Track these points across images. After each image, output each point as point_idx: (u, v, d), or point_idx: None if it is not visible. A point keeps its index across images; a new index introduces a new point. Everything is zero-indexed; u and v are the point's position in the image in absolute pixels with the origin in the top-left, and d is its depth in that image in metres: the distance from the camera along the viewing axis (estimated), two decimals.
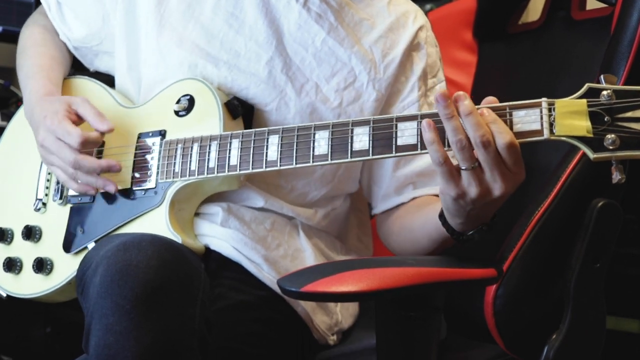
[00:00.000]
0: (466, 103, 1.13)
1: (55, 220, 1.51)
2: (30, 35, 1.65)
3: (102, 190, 1.43)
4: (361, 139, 1.23)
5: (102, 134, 1.42)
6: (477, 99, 1.18)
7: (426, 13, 1.73)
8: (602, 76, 1.10)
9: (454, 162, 1.15)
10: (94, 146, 1.43)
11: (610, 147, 1.08)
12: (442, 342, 1.49)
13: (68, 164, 1.41)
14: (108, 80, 1.65)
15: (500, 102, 1.16)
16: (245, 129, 1.41)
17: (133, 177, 1.44)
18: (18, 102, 2.10)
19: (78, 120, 1.45)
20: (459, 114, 1.13)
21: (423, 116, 1.18)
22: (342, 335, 1.56)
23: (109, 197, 1.45)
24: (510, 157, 1.12)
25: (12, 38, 1.76)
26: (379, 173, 1.53)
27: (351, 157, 1.24)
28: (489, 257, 1.37)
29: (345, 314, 1.54)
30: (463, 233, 1.26)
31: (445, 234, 1.28)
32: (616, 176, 1.10)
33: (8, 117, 1.98)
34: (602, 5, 1.56)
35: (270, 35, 1.47)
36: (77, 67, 1.72)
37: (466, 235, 1.26)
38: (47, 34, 1.65)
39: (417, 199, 1.50)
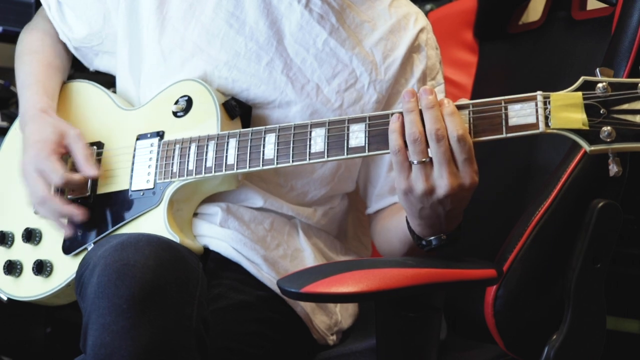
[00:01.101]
0: (430, 97, 1.17)
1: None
2: (28, 41, 1.65)
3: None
4: (357, 135, 1.24)
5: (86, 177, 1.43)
6: (478, 98, 1.18)
7: (426, 13, 1.73)
8: (597, 69, 1.10)
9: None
10: (74, 187, 1.45)
11: (607, 140, 1.08)
12: (442, 342, 1.49)
13: (36, 198, 1.43)
14: (108, 81, 1.65)
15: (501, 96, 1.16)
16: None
17: (132, 178, 1.44)
18: (18, 102, 2.09)
19: (66, 153, 1.45)
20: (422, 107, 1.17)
21: None
22: (342, 335, 1.56)
23: (108, 199, 1.45)
24: (461, 152, 1.15)
25: (12, 38, 1.76)
26: (374, 173, 1.53)
27: (347, 154, 1.25)
28: (489, 257, 1.37)
29: (344, 314, 1.54)
30: (423, 237, 1.27)
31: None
32: (613, 168, 1.10)
33: (8, 117, 1.98)
34: (602, 5, 1.56)
35: (271, 36, 1.47)
36: (77, 68, 1.72)
37: (425, 240, 1.27)
38: (47, 39, 1.64)
39: None
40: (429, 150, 1.17)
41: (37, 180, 1.42)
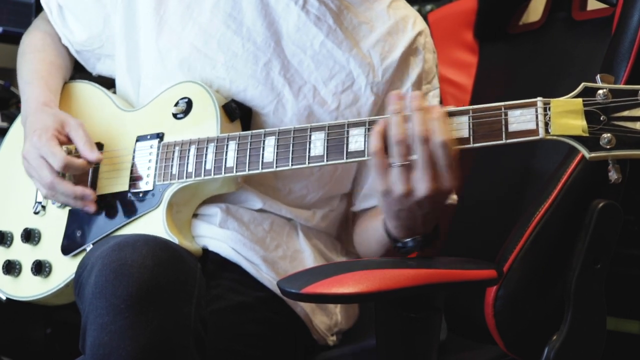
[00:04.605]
0: (418, 101, 1.16)
1: (54, 223, 1.51)
2: (30, 41, 1.66)
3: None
4: (357, 139, 1.24)
5: (89, 162, 1.43)
6: (478, 99, 1.18)
7: (427, 14, 1.73)
8: (598, 75, 1.10)
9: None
10: (76, 172, 1.44)
11: (607, 146, 1.08)
12: (443, 343, 1.49)
13: (44, 185, 1.42)
14: (108, 82, 1.65)
15: (501, 102, 1.16)
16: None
17: (131, 180, 1.44)
18: (18, 103, 2.09)
19: (68, 142, 1.45)
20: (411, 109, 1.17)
21: None
22: (342, 336, 1.56)
23: (107, 200, 1.45)
24: (444, 157, 1.14)
25: (11, 39, 1.76)
26: (365, 173, 1.53)
27: (347, 158, 1.25)
28: (490, 258, 1.37)
29: (344, 314, 1.54)
30: (399, 239, 1.27)
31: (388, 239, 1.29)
32: (613, 175, 1.10)
33: (8, 118, 1.98)
34: (603, 5, 1.55)
35: (269, 37, 1.47)
36: (78, 69, 1.72)
37: (401, 241, 1.27)
38: (48, 39, 1.65)
39: None
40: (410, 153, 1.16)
41: (41, 167, 1.42)
